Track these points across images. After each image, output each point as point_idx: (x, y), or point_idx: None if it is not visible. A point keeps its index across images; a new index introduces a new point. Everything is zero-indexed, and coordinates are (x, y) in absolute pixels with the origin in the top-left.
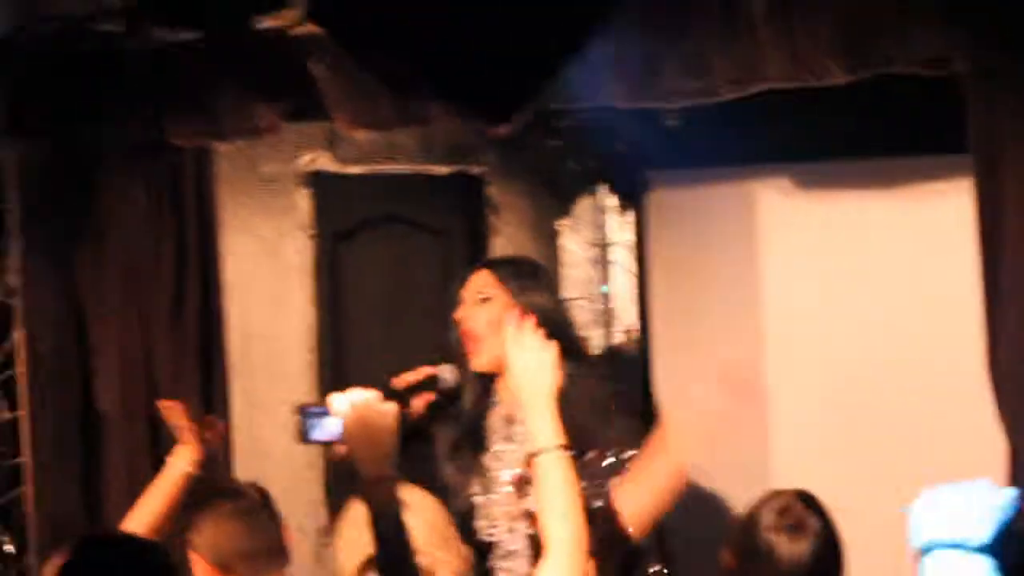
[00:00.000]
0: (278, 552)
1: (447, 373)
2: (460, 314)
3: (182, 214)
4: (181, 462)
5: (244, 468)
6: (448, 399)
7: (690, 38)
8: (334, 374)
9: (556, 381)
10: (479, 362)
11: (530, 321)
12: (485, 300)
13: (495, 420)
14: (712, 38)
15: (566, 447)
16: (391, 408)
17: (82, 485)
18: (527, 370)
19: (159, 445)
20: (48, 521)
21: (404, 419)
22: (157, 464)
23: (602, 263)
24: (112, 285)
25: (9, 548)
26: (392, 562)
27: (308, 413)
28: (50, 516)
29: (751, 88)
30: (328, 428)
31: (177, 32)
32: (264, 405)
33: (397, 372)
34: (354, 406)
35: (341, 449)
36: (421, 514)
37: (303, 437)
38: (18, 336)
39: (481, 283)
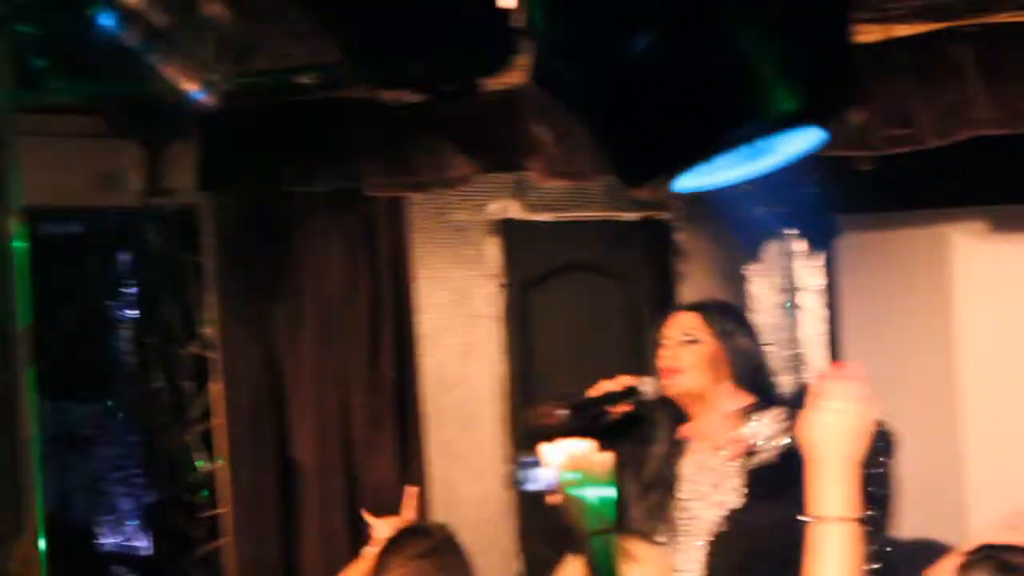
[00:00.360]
0: None
1: (648, 385)
2: (663, 353)
3: (377, 263)
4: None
5: (439, 516)
6: (645, 412)
7: (893, 86)
8: (525, 422)
9: (863, 449)
10: (673, 387)
11: (853, 379)
12: (692, 342)
13: (686, 468)
14: (916, 85)
15: (860, 520)
16: (607, 458)
17: (279, 536)
18: (832, 430)
19: (355, 496)
20: (246, 572)
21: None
22: (353, 516)
23: (791, 308)
24: (308, 336)
25: None
26: None
27: (522, 463)
28: (248, 567)
29: (957, 136)
30: (543, 478)
31: (402, 95)
32: (457, 453)
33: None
34: (571, 458)
35: (555, 499)
36: (646, 566)
37: (517, 486)
38: (215, 388)
39: (688, 324)
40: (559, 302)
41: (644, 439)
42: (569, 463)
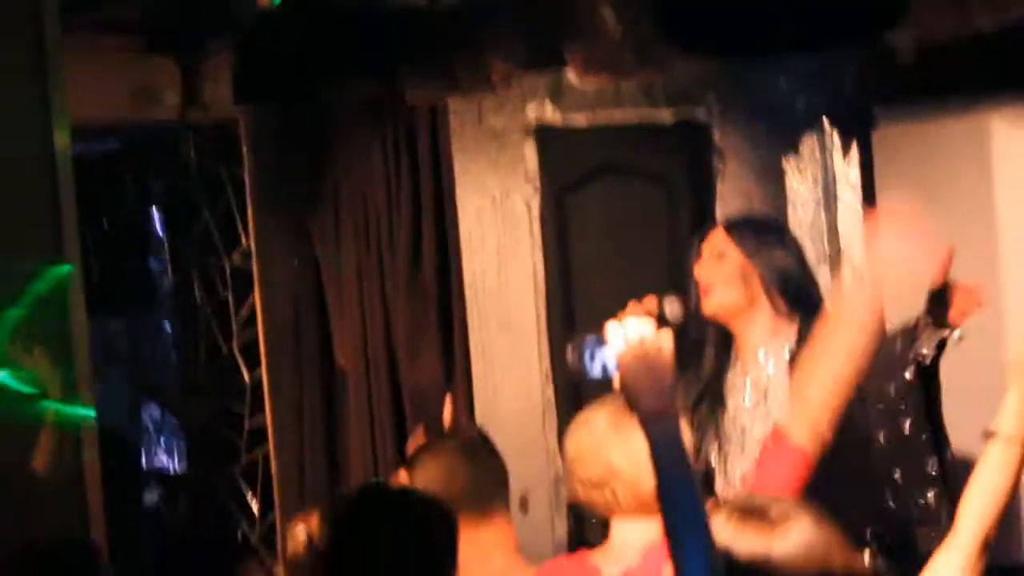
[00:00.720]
0: (499, 485)
1: (672, 306)
2: (696, 268)
3: (417, 170)
4: None
5: (480, 418)
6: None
7: None
8: (563, 325)
9: None
10: (708, 307)
11: None
12: (720, 256)
13: (733, 380)
14: None
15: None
16: (667, 338)
17: (323, 444)
18: None
19: (399, 402)
20: (291, 480)
21: None
22: (398, 422)
23: (828, 201)
24: (348, 244)
25: (254, 506)
26: (678, 494)
27: (582, 344)
28: (292, 475)
29: (1008, 14)
30: (603, 361)
31: None
32: (496, 357)
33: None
34: (628, 342)
35: (616, 384)
36: None
37: (577, 370)
38: (257, 299)
39: (717, 240)
40: (596, 206)
41: (683, 360)
42: (626, 347)
